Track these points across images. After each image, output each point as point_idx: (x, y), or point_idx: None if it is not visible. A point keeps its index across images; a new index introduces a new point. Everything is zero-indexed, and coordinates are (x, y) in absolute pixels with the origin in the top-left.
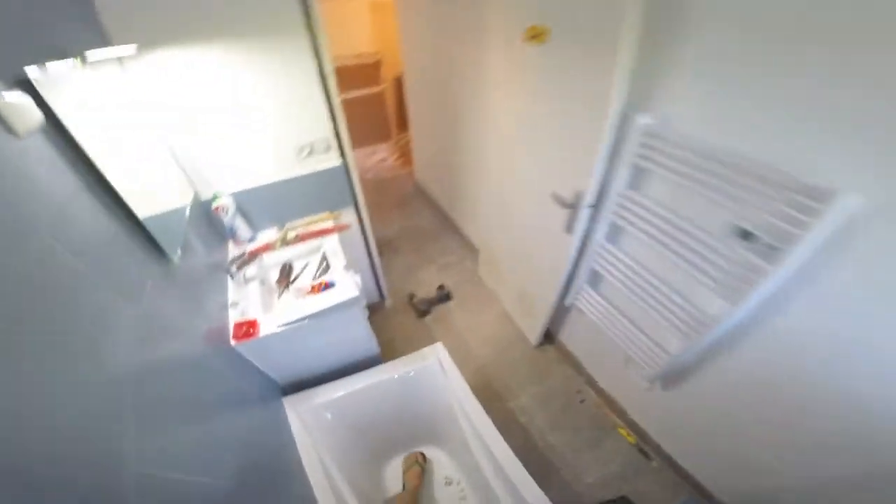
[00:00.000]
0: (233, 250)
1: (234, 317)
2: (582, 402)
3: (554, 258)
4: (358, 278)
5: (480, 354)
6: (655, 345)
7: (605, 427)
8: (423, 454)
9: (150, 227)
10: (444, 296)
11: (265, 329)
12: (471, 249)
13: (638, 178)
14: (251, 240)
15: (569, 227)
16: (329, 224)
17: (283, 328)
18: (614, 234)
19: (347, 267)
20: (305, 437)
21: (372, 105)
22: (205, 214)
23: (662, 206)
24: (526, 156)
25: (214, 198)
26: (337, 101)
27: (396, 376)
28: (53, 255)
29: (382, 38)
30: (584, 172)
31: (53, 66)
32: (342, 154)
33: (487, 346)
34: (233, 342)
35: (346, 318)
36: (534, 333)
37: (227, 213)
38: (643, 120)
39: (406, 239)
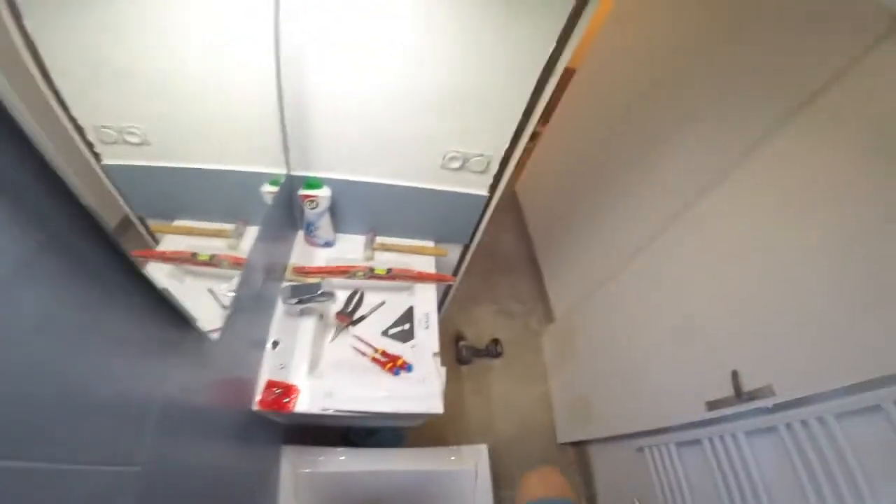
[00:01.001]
0: (300, 250)
1: (268, 366)
2: None
3: (658, 407)
4: (444, 377)
5: (500, 428)
6: None
7: None
8: None
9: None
10: (494, 353)
11: (303, 402)
12: (544, 307)
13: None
14: (327, 244)
15: (713, 406)
16: (430, 264)
17: (325, 412)
18: (762, 435)
19: (437, 354)
20: (290, 500)
21: None
22: (285, 198)
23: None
24: (728, 290)
25: (311, 184)
26: (535, 117)
27: (424, 470)
28: None
29: None
30: (818, 372)
31: None
32: (494, 186)
33: (512, 422)
34: (256, 407)
35: (407, 419)
36: (567, 434)
37: (317, 206)
38: None
39: (477, 256)
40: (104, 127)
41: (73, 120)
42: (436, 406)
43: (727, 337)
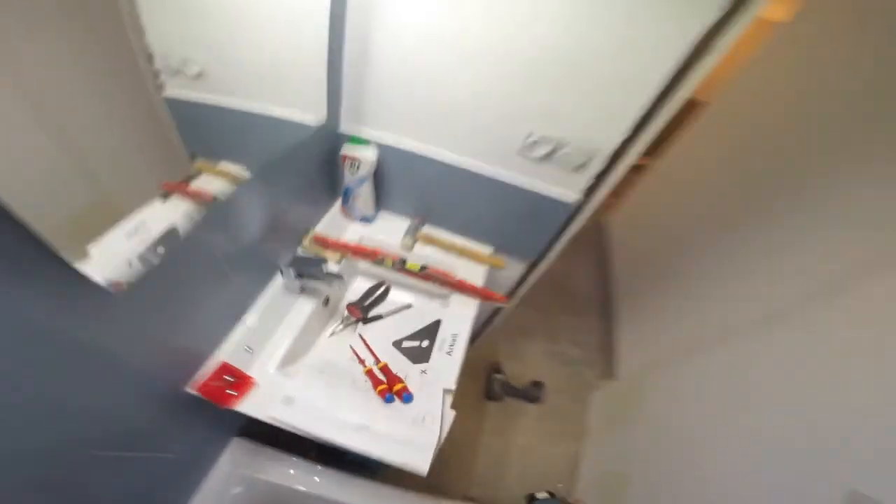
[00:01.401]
0: (332, 219)
1: (232, 345)
2: None
3: None
4: (448, 426)
5: (508, 483)
6: None
7: None
8: None
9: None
10: (531, 396)
11: (249, 402)
12: (606, 360)
13: None
14: (364, 219)
15: None
16: (478, 274)
17: (272, 422)
18: None
19: (450, 392)
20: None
21: None
22: (322, 152)
23: None
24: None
25: (356, 140)
26: (667, 111)
27: None
28: None
29: None
30: None
31: None
32: (591, 191)
33: (524, 482)
34: (190, 389)
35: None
36: None
37: (358, 169)
38: None
39: (543, 286)
40: (169, 55)
41: (144, 48)
42: (420, 464)
43: (847, 453)
